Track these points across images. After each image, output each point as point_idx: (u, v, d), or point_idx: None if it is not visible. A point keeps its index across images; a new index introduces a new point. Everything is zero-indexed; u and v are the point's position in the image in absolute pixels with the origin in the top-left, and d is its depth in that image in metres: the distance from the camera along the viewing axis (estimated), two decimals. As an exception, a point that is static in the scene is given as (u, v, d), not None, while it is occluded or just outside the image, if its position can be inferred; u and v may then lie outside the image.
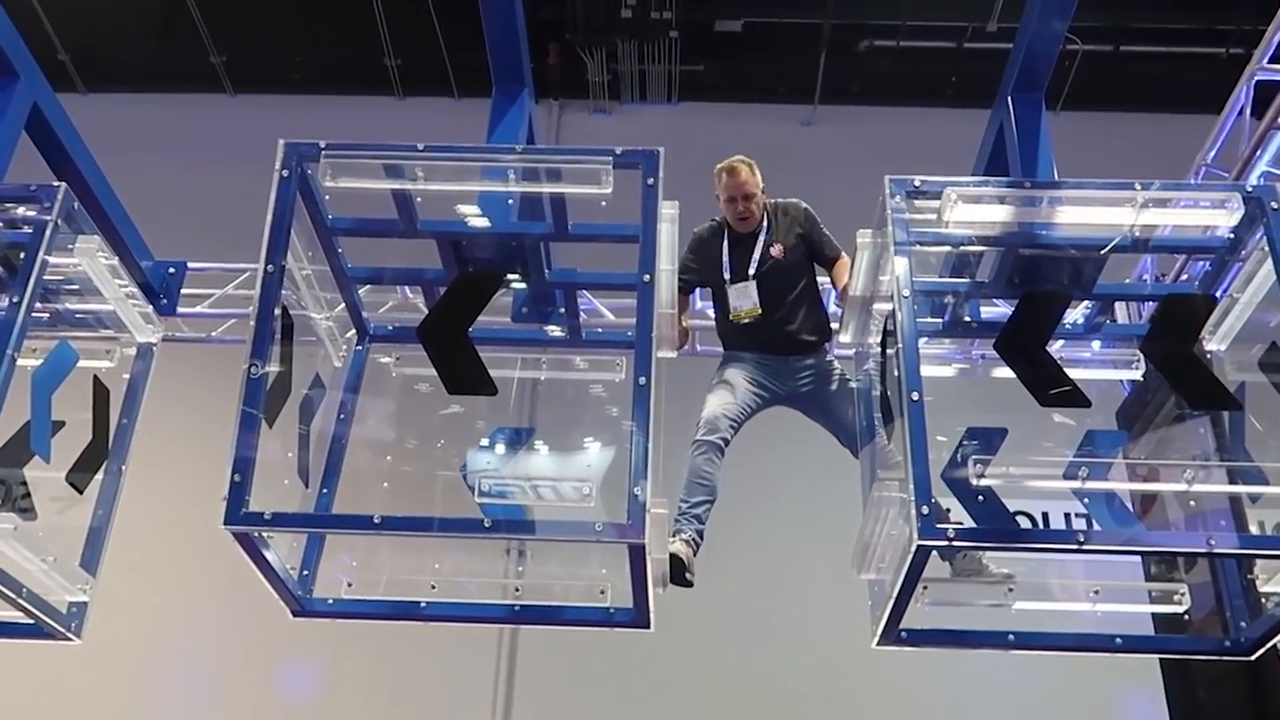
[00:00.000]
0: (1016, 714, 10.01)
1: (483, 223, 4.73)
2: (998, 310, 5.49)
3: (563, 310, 5.55)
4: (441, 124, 12.36)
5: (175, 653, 10.40)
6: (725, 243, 5.50)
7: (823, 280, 5.67)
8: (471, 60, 12.54)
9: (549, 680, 10.43)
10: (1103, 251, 4.58)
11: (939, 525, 3.88)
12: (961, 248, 4.58)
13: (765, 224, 5.52)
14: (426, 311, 5.36)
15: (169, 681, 10.19)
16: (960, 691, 9.97)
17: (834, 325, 5.54)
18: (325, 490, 4.94)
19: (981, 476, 4.08)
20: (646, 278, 4.20)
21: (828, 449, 5.56)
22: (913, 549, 3.89)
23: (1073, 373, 4.55)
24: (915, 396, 4.07)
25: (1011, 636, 4.64)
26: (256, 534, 4.08)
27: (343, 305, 5.23)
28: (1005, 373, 5.11)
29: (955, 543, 3.90)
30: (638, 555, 4.05)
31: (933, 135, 12.05)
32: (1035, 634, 4.69)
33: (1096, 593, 4.63)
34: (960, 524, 3.93)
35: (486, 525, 3.97)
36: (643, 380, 4.04)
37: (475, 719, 10.34)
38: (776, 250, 5.48)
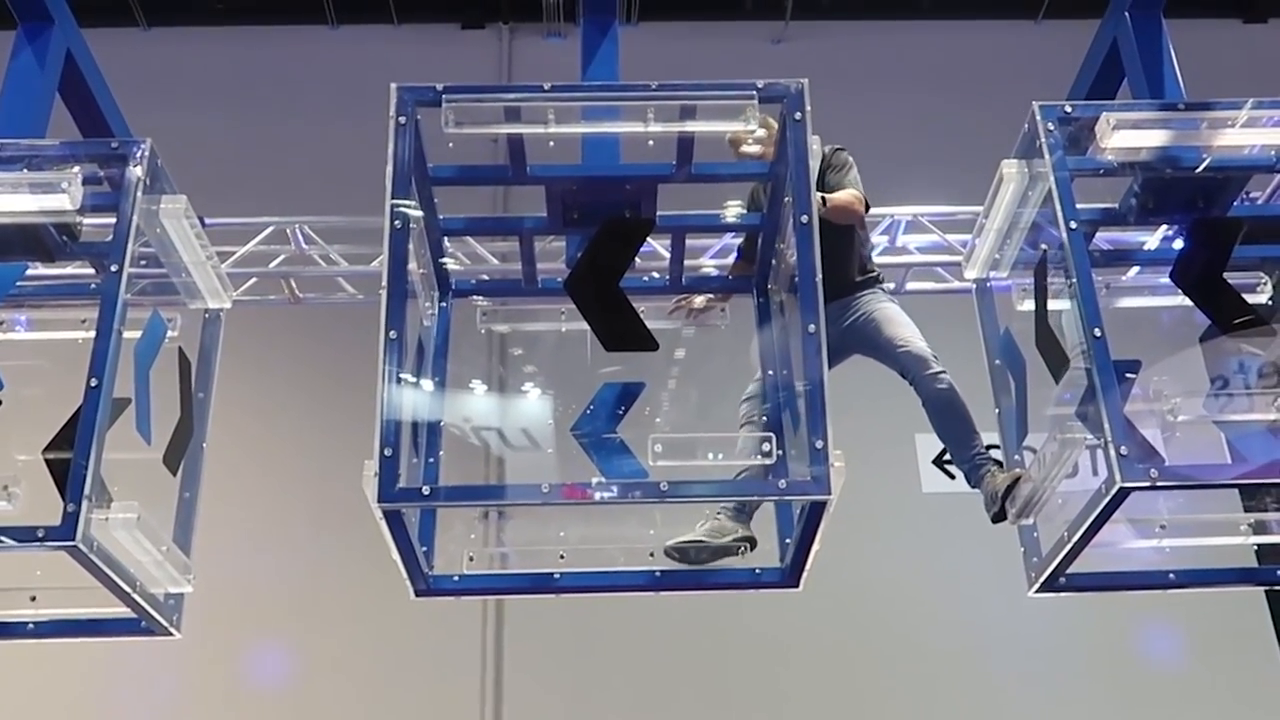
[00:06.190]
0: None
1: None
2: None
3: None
4: (380, 53, 12.19)
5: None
6: None
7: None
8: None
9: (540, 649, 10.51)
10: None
11: (1140, 465, 4.02)
12: (1115, 176, 4.69)
13: None
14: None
15: (130, 673, 9.99)
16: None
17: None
18: (431, 460, 4.91)
19: (1173, 412, 4.26)
20: (805, 219, 4.24)
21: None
22: (1112, 491, 4.03)
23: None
24: (1098, 333, 4.19)
25: (1172, 575, 4.83)
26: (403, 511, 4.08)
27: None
28: (1127, 302, 5.33)
29: (1159, 484, 4.04)
30: (814, 512, 4.14)
31: (911, 51, 12.30)
32: (1196, 571, 4.89)
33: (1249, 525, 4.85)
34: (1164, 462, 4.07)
35: (663, 489, 4.00)
36: (812, 327, 4.08)
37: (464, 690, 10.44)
38: None
